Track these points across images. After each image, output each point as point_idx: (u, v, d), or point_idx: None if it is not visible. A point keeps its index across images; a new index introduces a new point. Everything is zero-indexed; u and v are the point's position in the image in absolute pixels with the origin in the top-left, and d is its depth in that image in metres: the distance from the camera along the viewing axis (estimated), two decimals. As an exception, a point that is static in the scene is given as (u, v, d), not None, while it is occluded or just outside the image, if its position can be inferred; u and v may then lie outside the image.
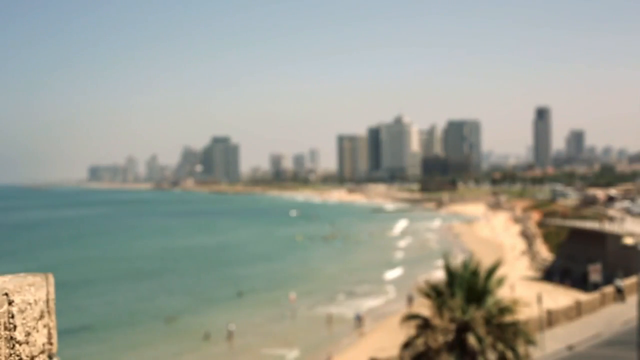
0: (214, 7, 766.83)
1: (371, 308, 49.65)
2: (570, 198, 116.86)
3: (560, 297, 42.93)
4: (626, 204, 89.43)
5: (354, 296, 54.46)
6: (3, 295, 2.11)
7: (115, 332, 44.35)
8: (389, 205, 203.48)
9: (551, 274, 56.19)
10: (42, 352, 2.33)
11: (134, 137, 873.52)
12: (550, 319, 32.62)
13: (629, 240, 47.54)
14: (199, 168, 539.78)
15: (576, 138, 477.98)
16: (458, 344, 20.19)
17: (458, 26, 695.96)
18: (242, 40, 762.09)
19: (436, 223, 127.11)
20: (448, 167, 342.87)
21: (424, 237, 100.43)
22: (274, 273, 67.85)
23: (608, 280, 42.13)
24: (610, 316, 33.94)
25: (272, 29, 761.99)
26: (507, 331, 20.84)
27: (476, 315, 20.47)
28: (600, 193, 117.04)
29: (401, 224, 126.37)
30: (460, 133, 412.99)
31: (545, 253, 66.22)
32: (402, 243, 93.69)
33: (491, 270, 22.59)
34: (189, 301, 54.45)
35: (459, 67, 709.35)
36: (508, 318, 21.33)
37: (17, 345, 2.16)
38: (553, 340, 29.22)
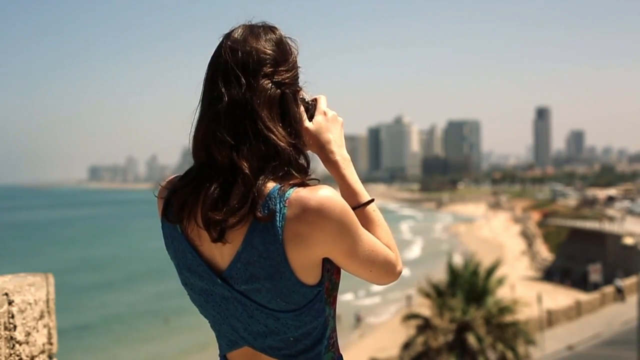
0: (214, 7, 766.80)
1: (371, 308, 49.56)
2: (570, 198, 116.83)
3: (560, 297, 42.88)
4: (626, 204, 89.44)
5: (355, 295, 54.34)
6: (3, 295, 2.11)
7: (113, 332, 44.37)
8: (397, 204, 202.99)
9: (551, 274, 56.17)
10: (42, 352, 2.33)
11: (134, 137, 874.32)
12: (550, 319, 32.64)
13: (629, 240, 47.51)
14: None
15: (576, 138, 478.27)
16: (458, 344, 20.22)
17: (458, 26, 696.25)
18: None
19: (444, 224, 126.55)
20: (448, 167, 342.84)
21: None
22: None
23: (608, 280, 42.17)
24: (610, 316, 33.95)
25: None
26: (507, 331, 20.89)
27: (476, 315, 20.50)
28: (600, 193, 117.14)
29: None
30: (460, 133, 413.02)
31: (545, 253, 66.20)
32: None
33: (491, 270, 22.64)
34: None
35: (459, 67, 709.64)
36: (508, 318, 21.38)
37: (17, 345, 2.16)
38: (553, 340, 29.22)
